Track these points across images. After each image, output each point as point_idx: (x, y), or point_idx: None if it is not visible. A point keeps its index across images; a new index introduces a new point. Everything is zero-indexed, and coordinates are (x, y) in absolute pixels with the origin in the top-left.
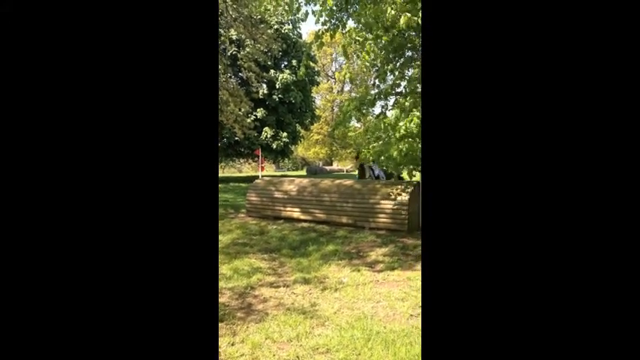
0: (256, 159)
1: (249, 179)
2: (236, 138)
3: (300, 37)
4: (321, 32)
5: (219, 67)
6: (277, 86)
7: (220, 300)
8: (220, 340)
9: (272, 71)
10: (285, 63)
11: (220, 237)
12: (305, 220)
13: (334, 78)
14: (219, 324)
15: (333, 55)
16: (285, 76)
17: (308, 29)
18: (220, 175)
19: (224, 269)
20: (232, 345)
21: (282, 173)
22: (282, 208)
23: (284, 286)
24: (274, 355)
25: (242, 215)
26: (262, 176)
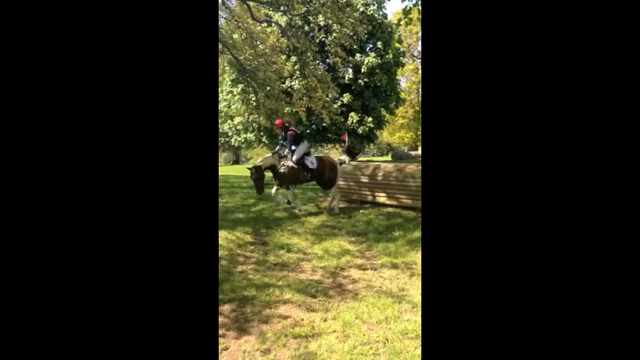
0: (343, 144)
1: None
2: (324, 124)
3: (386, 17)
4: (407, 8)
5: (309, 54)
6: (362, 70)
7: (314, 278)
8: (314, 315)
9: (358, 55)
10: (371, 46)
11: (311, 219)
12: (390, 205)
13: (420, 58)
14: (313, 300)
15: (419, 34)
16: (371, 59)
17: (393, 9)
18: None
19: (316, 249)
20: (325, 321)
21: (368, 159)
22: (368, 193)
23: (372, 269)
24: (364, 335)
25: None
26: (349, 161)
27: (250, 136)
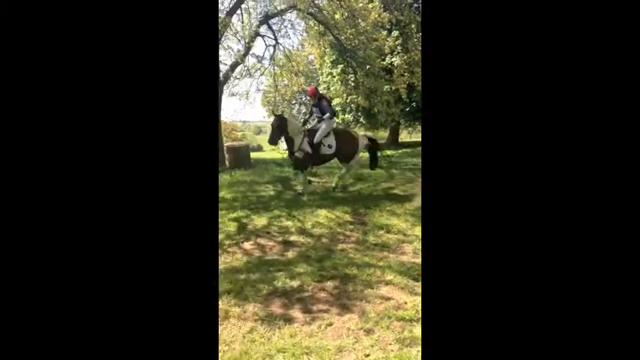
0: None
1: None
2: None
3: None
4: None
5: (412, 26)
6: None
7: (416, 260)
8: (418, 299)
9: None
10: None
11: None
12: None
13: None
14: (416, 283)
15: None
16: None
17: None
18: (408, 140)
19: (416, 231)
20: None
21: None
22: None
23: None
24: None
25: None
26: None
27: (348, 117)
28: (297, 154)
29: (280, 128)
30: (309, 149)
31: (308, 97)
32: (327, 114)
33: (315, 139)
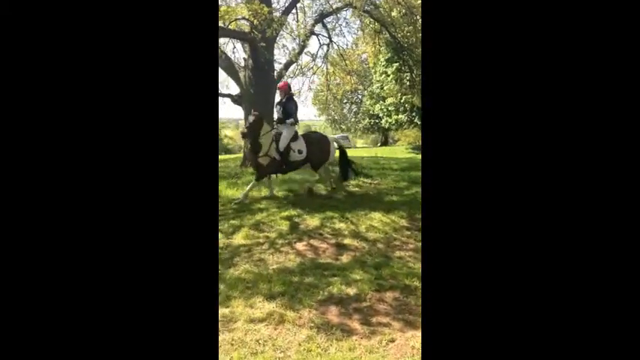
0: None
1: None
2: None
3: None
4: None
5: None
6: None
7: None
8: None
9: None
10: None
11: None
12: None
13: None
14: None
15: None
16: None
17: None
18: None
19: None
20: None
21: None
22: None
23: None
24: None
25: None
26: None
27: (402, 117)
28: (260, 159)
29: (255, 127)
30: (276, 156)
31: (280, 92)
32: (291, 119)
33: (281, 146)
